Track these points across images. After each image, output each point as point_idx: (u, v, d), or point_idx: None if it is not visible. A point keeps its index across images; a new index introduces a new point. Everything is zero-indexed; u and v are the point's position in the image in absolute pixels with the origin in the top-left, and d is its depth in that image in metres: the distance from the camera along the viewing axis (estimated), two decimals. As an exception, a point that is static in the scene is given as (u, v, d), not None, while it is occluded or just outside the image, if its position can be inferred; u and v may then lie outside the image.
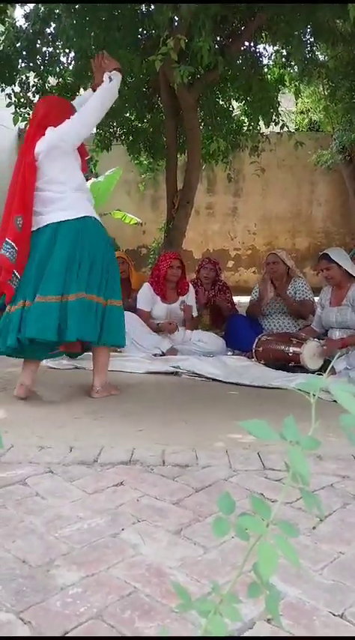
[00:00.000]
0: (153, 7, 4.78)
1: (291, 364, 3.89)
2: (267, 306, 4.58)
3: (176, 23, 4.57)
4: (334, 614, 1.20)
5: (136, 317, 4.43)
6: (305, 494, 0.64)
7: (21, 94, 5.88)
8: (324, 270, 4.04)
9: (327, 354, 3.80)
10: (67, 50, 5.46)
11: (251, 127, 6.51)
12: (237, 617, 0.61)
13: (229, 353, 4.49)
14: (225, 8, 4.71)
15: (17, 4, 5.84)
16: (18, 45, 5.36)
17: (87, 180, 3.22)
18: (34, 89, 5.89)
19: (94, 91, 3.17)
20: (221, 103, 6.44)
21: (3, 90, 5.71)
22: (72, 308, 2.86)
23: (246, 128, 6.69)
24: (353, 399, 0.60)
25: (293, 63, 6.18)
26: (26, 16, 5.31)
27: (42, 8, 5.11)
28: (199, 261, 6.01)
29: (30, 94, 5.92)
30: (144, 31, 5.55)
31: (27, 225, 2.97)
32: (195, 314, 4.73)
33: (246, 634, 1.13)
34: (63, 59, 5.80)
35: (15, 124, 6.15)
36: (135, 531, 1.55)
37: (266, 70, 6.62)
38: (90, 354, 3.27)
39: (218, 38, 5.49)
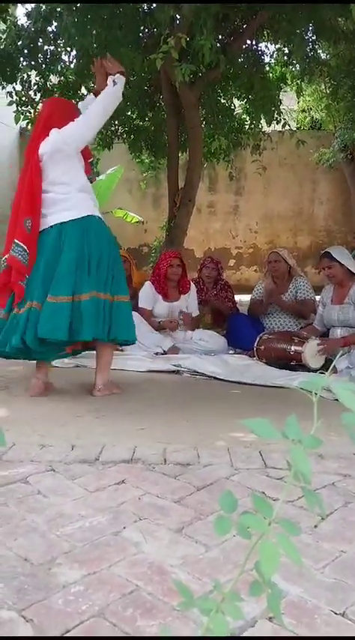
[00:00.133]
0: (154, 5, 4.78)
1: (293, 363, 3.89)
2: (269, 305, 4.58)
3: (177, 21, 4.57)
4: (335, 613, 1.20)
5: (138, 315, 4.43)
6: (307, 493, 0.64)
7: (22, 93, 5.88)
8: (326, 268, 4.04)
9: (328, 353, 3.80)
10: (69, 48, 5.45)
11: (252, 126, 6.51)
12: (239, 615, 0.61)
13: (231, 352, 4.49)
14: (226, 7, 4.71)
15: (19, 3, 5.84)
16: (19, 43, 5.36)
17: (91, 182, 3.22)
18: (35, 87, 5.89)
19: (96, 95, 3.18)
20: (222, 101, 6.44)
21: (4, 88, 5.70)
22: (86, 308, 2.88)
23: (247, 126, 6.69)
24: (355, 397, 0.60)
25: (294, 61, 6.17)
26: (28, 15, 5.31)
27: (43, 7, 5.11)
28: (201, 259, 6.01)
29: (31, 93, 5.93)
30: (146, 30, 5.55)
31: (35, 227, 3.00)
32: (196, 313, 4.73)
33: (248, 632, 1.13)
34: (64, 57, 5.80)
35: (17, 123, 6.15)
36: (137, 529, 1.55)
37: (267, 68, 6.62)
38: (93, 352, 3.28)
39: (219, 36, 5.48)
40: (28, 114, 6.03)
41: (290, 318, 4.55)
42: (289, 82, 6.95)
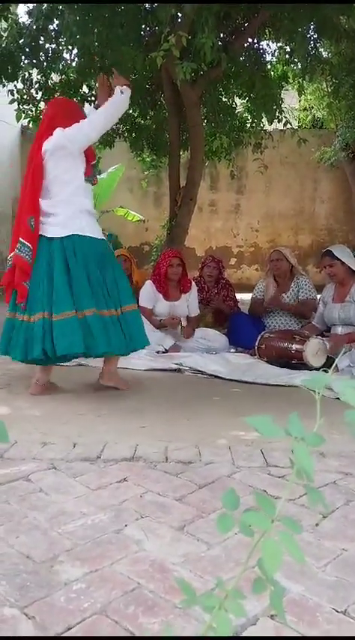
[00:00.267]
0: (156, 3, 4.77)
1: (294, 361, 3.89)
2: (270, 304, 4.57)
3: (179, 20, 4.56)
4: (337, 611, 1.21)
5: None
6: (310, 491, 0.64)
7: (24, 91, 5.88)
8: (327, 267, 4.04)
9: (334, 350, 3.80)
10: (70, 47, 5.45)
11: (254, 124, 6.50)
12: (242, 612, 0.61)
13: (232, 350, 4.49)
14: (228, 5, 4.70)
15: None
16: (21, 41, 5.35)
17: (93, 184, 3.23)
18: (36, 86, 5.89)
19: (97, 109, 3.21)
20: (224, 99, 6.43)
21: (5, 86, 5.70)
22: (92, 323, 2.92)
23: (249, 125, 6.68)
24: (358, 395, 0.60)
25: (296, 60, 6.16)
26: (29, 13, 5.31)
27: (45, 5, 5.10)
28: (202, 258, 6.01)
29: (33, 91, 5.93)
30: (147, 28, 5.55)
31: (37, 226, 3.03)
32: (197, 312, 4.72)
33: (250, 630, 1.13)
34: (66, 56, 5.80)
35: (18, 121, 6.15)
36: (139, 527, 1.55)
37: (269, 66, 6.61)
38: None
39: (221, 35, 5.48)
40: (29, 112, 6.03)
41: (292, 316, 4.54)
42: (290, 80, 6.94)
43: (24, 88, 5.87)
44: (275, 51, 6.70)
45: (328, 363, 3.72)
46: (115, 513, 1.63)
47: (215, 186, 11.71)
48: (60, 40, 5.45)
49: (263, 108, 6.04)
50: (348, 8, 4.61)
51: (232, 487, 0.83)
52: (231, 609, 0.62)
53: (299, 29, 5.18)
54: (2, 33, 5.47)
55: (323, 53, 6.70)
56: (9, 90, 5.78)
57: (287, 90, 7.10)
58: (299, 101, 10.84)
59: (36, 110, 6.05)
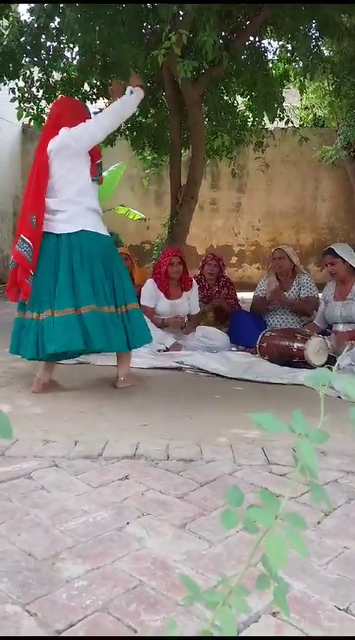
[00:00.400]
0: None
1: (295, 360, 3.89)
2: (272, 302, 4.57)
3: (180, 18, 4.56)
4: (339, 608, 1.21)
5: (140, 313, 4.43)
6: (313, 488, 0.64)
7: (25, 89, 5.87)
8: (329, 264, 4.04)
9: (338, 347, 3.81)
10: (72, 45, 5.44)
11: (255, 123, 6.49)
12: (246, 609, 0.61)
13: (233, 349, 4.50)
14: (229, 3, 4.69)
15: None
16: (22, 39, 5.34)
17: (99, 183, 3.24)
18: (38, 84, 5.88)
19: None
20: (225, 98, 6.42)
21: (6, 84, 5.69)
22: (88, 320, 2.94)
23: (250, 123, 6.67)
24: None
25: (298, 58, 6.15)
26: (31, 11, 5.30)
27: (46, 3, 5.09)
28: (203, 257, 5.99)
29: (34, 89, 5.91)
30: (149, 26, 5.53)
31: (40, 223, 3.04)
32: (198, 310, 4.72)
33: (252, 627, 1.13)
34: (67, 54, 5.78)
35: (19, 119, 6.14)
36: (140, 525, 1.55)
37: (270, 65, 6.59)
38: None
39: (222, 33, 5.46)
40: (30, 110, 6.02)
41: (293, 315, 4.54)
42: (292, 79, 6.93)
43: (25, 86, 5.85)
44: (276, 49, 6.69)
45: (329, 362, 3.72)
46: (117, 511, 1.63)
47: (216, 184, 11.70)
48: (61, 38, 5.43)
49: (264, 106, 6.02)
50: (349, 7, 4.60)
51: (235, 484, 0.83)
52: (235, 605, 0.62)
53: (301, 27, 5.17)
54: (3, 31, 5.46)
55: (325, 51, 6.69)
56: (10, 88, 5.78)
57: (288, 88, 7.07)
58: (301, 100, 10.84)
59: (37, 108, 6.04)
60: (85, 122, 3.08)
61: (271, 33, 6.02)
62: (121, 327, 3.07)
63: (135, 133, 6.83)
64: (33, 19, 5.24)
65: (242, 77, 5.89)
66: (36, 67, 5.70)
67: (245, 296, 5.86)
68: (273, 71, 6.61)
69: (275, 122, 6.22)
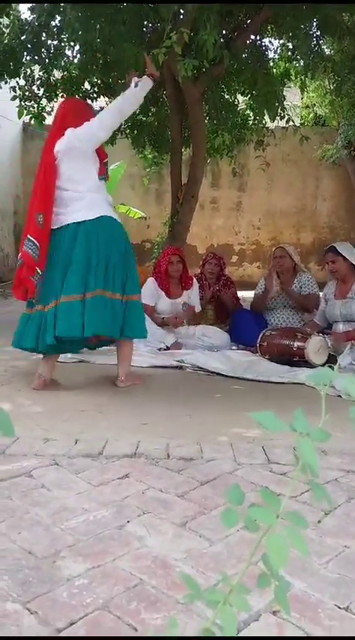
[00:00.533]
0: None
1: (296, 359, 3.88)
2: (272, 301, 4.57)
3: (181, 16, 4.55)
4: (339, 607, 1.21)
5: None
6: (314, 486, 0.64)
7: (26, 88, 5.86)
8: (330, 262, 4.04)
9: (335, 347, 3.81)
10: (72, 43, 5.42)
11: (256, 121, 6.48)
12: (246, 607, 0.61)
13: (233, 347, 4.49)
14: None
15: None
16: (23, 38, 5.33)
17: (106, 181, 3.26)
18: (38, 82, 5.87)
19: None
20: (226, 96, 6.41)
21: (7, 83, 5.69)
22: (87, 305, 2.96)
23: (251, 122, 6.66)
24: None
25: (298, 57, 6.13)
26: (31, 9, 5.29)
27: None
28: (203, 255, 5.99)
29: (35, 88, 5.91)
30: (150, 25, 5.53)
31: (47, 223, 3.08)
32: (198, 309, 4.72)
33: (252, 625, 1.13)
34: (68, 52, 5.77)
35: (20, 118, 6.13)
36: (141, 523, 1.55)
37: (271, 63, 6.58)
38: (99, 348, 3.42)
39: (223, 32, 5.46)
40: (31, 109, 6.01)
41: (294, 313, 4.55)
42: (293, 77, 6.91)
43: (26, 84, 5.85)
44: (277, 48, 6.66)
45: (330, 361, 3.72)
46: (117, 509, 1.63)
47: (216, 183, 11.69)
48: (62, 36, 5.42)
49: (265, 105, 6.01)
50: (350, 6, 4.60)
51: (236, 483, 0.83)
52: (236, 604, 0.62)
53: (302, 26, 5.16)
54: (4, 29, 5.45)
55: (326, 50, 6.68)
56: (11, 86, 5.77)
57: (289, 87, 7.06)
58: (302, 98, 10.82)
59: (38, 107, 6.04)
60: (89, 122, 3.09)
61: (272, 32, 6.01)
62: (121, 314, 3.08)
63: (135, 132, 6.82)
64: (34, 18, 5.24)
65: (243, 76, 5.88)
66: (37, 65, 5.70)
67: (245, 295, 5.85)
68: (274, 70, 6.59)
69: (275, 121, 6.21)
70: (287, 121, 6.15)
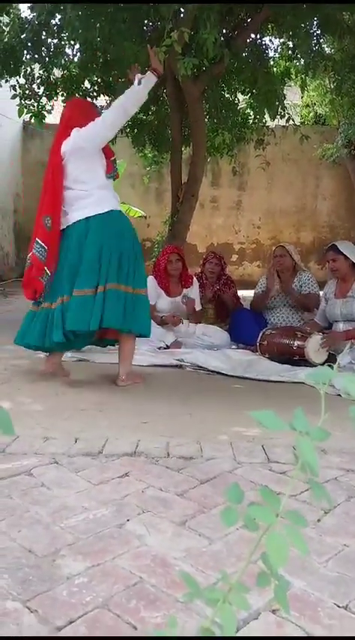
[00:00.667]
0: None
1: (295, 358, 3.89)
2: (272, 300, 4.57)
3: (182, 15, 4.55)
4: (338, 606, 1.21)
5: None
6: (314, 485, 0.64)
7: (26, 86, 5.86)
8: (331, 261, 4.04)
9: (331, 346, 3.80)
10: (73, 42, 5.42)
11: (256, 120, 6.48)
12: (246, 606, 0.61)
13: (233, 347, 4.50)
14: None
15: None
16: (23, 36, 5.33)
17: (114, 179, 3.27)
18: (39, 81, 5.87)
19: None
20: (226, 95, 6.40)
21: (7, 81, 5.68)
22: (101, 299, 2.99)
23: (251, 121, 6.65)
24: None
25: (299, 56, 6.13)
26: (31, 8, 5.29)
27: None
28: (203, 254, 5.99)
29: (35, 86, 5.91)
30: (150, 23, 5.52)
31: (56, 225, 3.11)
32: (198, 307, 4.73)
33: (251, 624, 1.13)
34: (68, 51, 5.77)
35: (20, 116, 6.13)
36: (141, 522, 1.55)
37: (272, 62, 6.57)
38: (94, 347, 3.42)
39: (224, 30, 5.45)
40: (31, 107, 6.01)
41: (294, 312, 4.55)
42: (293, 76, 6.91)
43: (26, 83, 5.85)
44: (277, 47, 6.66)
45: (329, 360, 3.72)
46: (117, 508, 1.63)
47: (217, 182, 11.69)
48: (62, 35, 5.42)
49: (265, 104, 6.01)
50: (350, 5, 4.60)
51: (236, 482, 0.83)
52: (235, 603, 0.62)
53: (302, 25, 5.16)
54: (4, 28, 5.45)
55: (326, 49, 6.67)
56: (11, 85, 5.77)
57: (289, 86, 7.06)
58: (302, 97, 10.82)
59: (38, 105, 6.04)
60: (94, 121, 3.10)
61: (272, 30, 6.00)
62: (129, 308, 3.09)
63: (135, 131, 6.81)
64: (34, 16, 5.24)
65: (243, 75, 5.88)
66: (37, 64, 5.69)
67: (245, 294, 5.86)
68: (274, 69, 6.59)
69: (276, 120, 6.21)
70: (287, 120, 6.15)
